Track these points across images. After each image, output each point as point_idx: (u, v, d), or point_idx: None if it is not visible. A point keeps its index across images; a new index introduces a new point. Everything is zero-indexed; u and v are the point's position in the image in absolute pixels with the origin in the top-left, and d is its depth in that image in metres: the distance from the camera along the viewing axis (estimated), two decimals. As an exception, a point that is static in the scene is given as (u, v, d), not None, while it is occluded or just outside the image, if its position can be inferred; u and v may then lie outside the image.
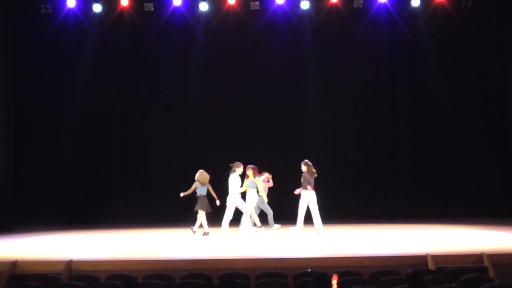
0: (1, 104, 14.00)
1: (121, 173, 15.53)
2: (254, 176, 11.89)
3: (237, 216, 11.94)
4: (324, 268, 7.58)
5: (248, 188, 11.90)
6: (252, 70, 15.48)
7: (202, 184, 11.91)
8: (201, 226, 11.89)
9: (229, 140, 15.31)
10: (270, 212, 12.81)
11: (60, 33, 15.04)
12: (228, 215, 11.69)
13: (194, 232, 11.83)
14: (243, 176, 11.83)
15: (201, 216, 11.84)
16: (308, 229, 11.87)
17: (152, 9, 14.84)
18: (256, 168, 12.01)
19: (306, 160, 11.90)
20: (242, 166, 11.77)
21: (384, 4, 14.89)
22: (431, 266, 8.22)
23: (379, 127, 15.46)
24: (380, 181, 15.28)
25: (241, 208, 11.80)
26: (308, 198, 11.69)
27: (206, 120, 15.46)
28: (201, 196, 11.86)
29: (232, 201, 11.69)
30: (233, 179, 11.68)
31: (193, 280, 7.10)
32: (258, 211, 12.66)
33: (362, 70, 15.35)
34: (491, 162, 15.11)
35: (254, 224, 12.11)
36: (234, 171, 11.71)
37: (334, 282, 5.59)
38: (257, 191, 12.04)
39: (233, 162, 11.79)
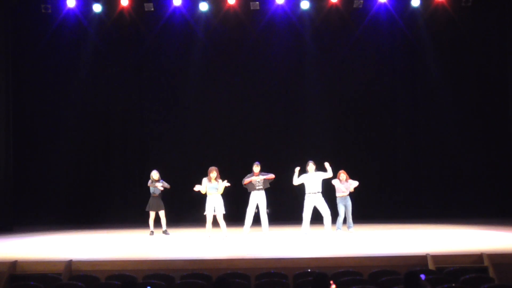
0: (1, 104, 14.00)
1: (121, 173, 15.53)
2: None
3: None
4: (324, 268, 7.59)
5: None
6: (252, 70, 15.48)
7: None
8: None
9: (229, 139, 15.31)
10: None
11: (60, 33, 15.04)
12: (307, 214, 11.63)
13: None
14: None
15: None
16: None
17: (152, 9, 14.84)
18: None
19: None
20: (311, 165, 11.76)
21: (384, 4, 14.88)
22: (431, 266, 8.22)
23: (379, 127, 15.45)
24: (380, 181, 15.27)
25: (320, 208, 11.69)
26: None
27: (206, 119, 15.45)
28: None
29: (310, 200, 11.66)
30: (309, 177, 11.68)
31: (193, 280, 7.11)
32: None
33: (362, 70, 15.33)
34: (491, 162, 15.08)
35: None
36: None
37: (333, 287, 5.63)
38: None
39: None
